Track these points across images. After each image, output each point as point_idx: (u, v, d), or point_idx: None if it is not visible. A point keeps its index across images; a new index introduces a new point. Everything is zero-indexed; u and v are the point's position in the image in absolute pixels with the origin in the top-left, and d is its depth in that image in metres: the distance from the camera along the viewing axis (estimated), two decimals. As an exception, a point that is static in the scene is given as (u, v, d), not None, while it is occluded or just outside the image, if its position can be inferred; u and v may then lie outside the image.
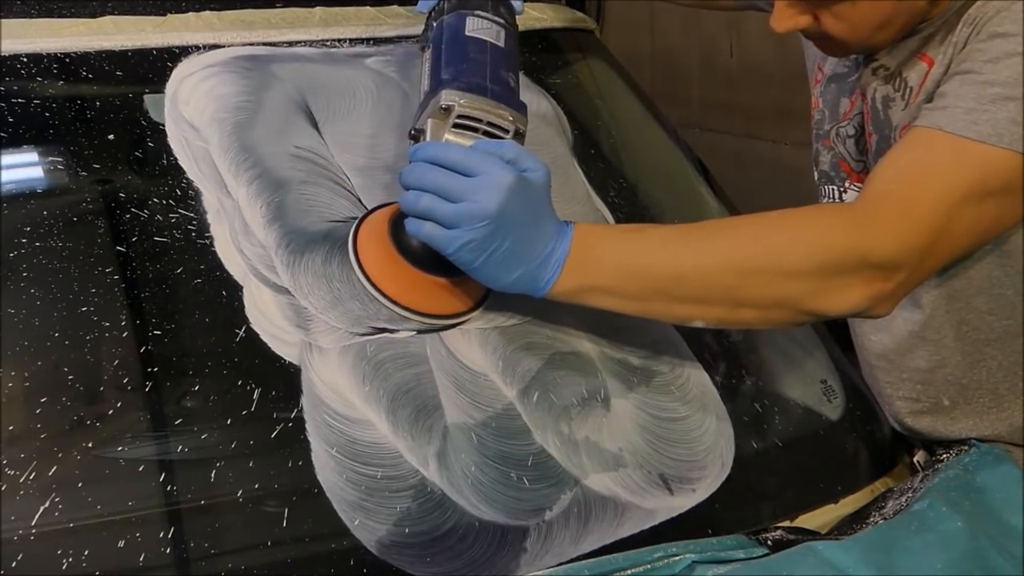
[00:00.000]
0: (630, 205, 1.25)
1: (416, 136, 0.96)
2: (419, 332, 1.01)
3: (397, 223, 0.98)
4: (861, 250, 0.93)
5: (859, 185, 1.18)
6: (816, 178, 1.26)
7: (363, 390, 0.96)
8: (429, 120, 0.94)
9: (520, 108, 0.97)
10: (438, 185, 0.90)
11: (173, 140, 1.06)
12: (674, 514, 0.99)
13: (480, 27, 1.01)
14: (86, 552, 0.83)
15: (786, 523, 1.02)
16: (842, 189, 1.21)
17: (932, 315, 1.14)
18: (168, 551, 0.85)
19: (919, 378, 1.20)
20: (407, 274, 0.98)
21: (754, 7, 1.36)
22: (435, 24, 1.05)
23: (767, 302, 0.94)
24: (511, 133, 0.95)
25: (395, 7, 1.28)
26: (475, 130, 0.94)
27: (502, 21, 1.04)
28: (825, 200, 1.24)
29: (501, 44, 1.01)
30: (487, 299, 1.03)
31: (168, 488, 0.88)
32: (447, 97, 0.93)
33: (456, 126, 0.94)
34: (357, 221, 1.03)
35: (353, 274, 1.00)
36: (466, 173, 0.90)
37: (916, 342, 1.17)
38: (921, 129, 0.98)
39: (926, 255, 0.96)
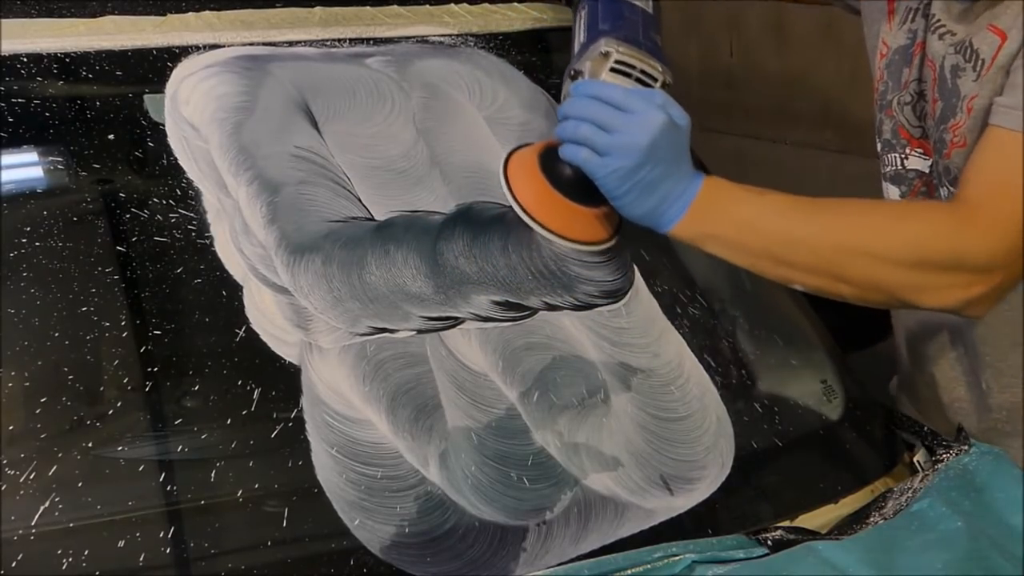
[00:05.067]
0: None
1: (575, 76, 1.05)
2: (419, 332, 1.01)
3: (546, 156, 1.06)
4: (956, 252, 0.98)
5: (919, 151, 1.21)
6: (879, 148, 1.28)
7: (363, 390, 0.96)
8: (588, 62, 1.03)
9: (667, 64, 1.05)
10: (599, 117, 0.97)
11: (173, 140, 1.06)
12: (674, 514, 0.99)
13: None
14: (86, 552, 0.83)
15: (786, 523, 1.02)
16: (903, 156, 1.24)
17: None
18: (168, 551, 0.85)
19: (961, 356, 1.21)
20: (555, 202, 1.05)
21: (847, 6, 1.38)
22: None
23: (865, 283, 1.00)
24: (659, 83, 1.04)
25: (395, 7, 1.28)
26: (628, 75, 1.03)
27: None
28: (888, 168, 1.26)
29: (649, 10, 1.10)
30: (619, 231, 1.09)
31: (168, 488, 0.88)
32: (607, 44, 1.02)
33: (612, 70, 1.02)
34: (504, 158, 1.08)
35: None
36: (623, 110, 0.97)
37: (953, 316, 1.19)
38: (1005, 131, 1.01)
39: (1019, 257, 0.99)
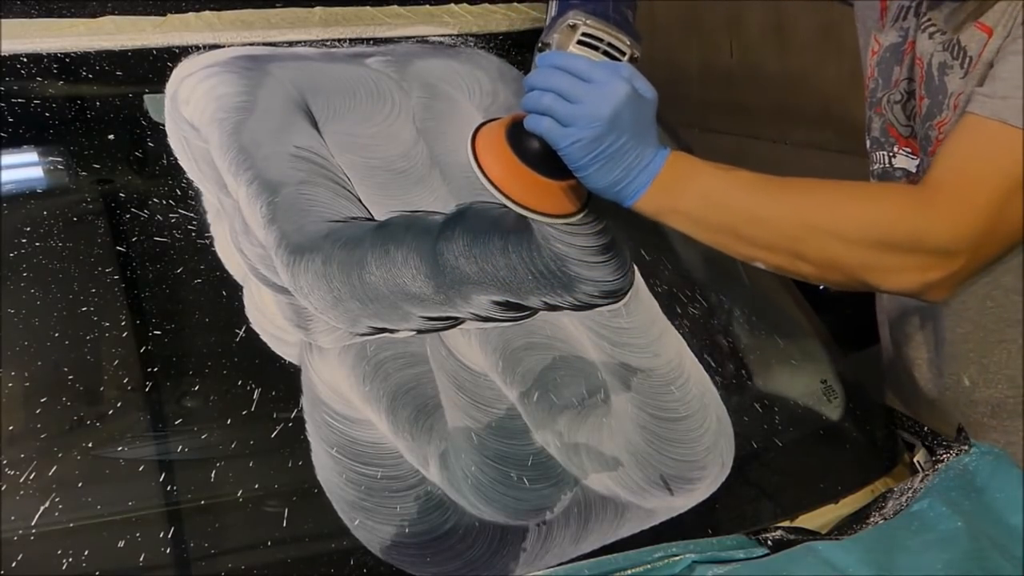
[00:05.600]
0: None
1: (543, 48, 1.07)
2: (419, 332, 1.01)
3: (513, 129, 1.07)
4: (916, 233, 0.98)
5: (907, 150, 1.21)
6: (868, 145, 1.28)
7: (363, 390, 0.96)
8: (556, 35, 1.05)
9: (636, 38, 1.06)
10: (562, 87, 0.98)
11: (173, 140, 1.06)
12: (674, 514, 0.99)
13: None
14: (86, 552, 0.83)
15: (786, 523, 1.02)
16: (891, 154, 1.24)
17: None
18: (168, 551, 0.85)
19: (944, 351, 1.21)
20: (522, 174, 1.06)
21: None
22: None
23: (824, 262, 1.01)
24: (627, 56, 1.05)
25: (395, 7, 1.28)
26: (595, 48, 1.04)
27: None
28: (876, 166, 1.26)
29: None
30: (588, 205, 1.10)
31: (168, 488, 0.88)
32: (574, 16, 1.04)
33: (580, 43, 1.04)
34: (473, 131, 1.09)
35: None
36: (587, 81, 0.98)
37: (943, 308, 1.19)
38: (980, 118, 1.00)
39: (982, 243, 1.00)
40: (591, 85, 0.98)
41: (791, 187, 1.02)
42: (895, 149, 1.23)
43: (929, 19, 1.12)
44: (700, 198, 1.01)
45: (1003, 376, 1.18)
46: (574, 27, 1.04)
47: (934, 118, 1.12)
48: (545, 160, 1.04)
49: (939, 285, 1.01)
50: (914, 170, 1.20)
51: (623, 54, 1.05)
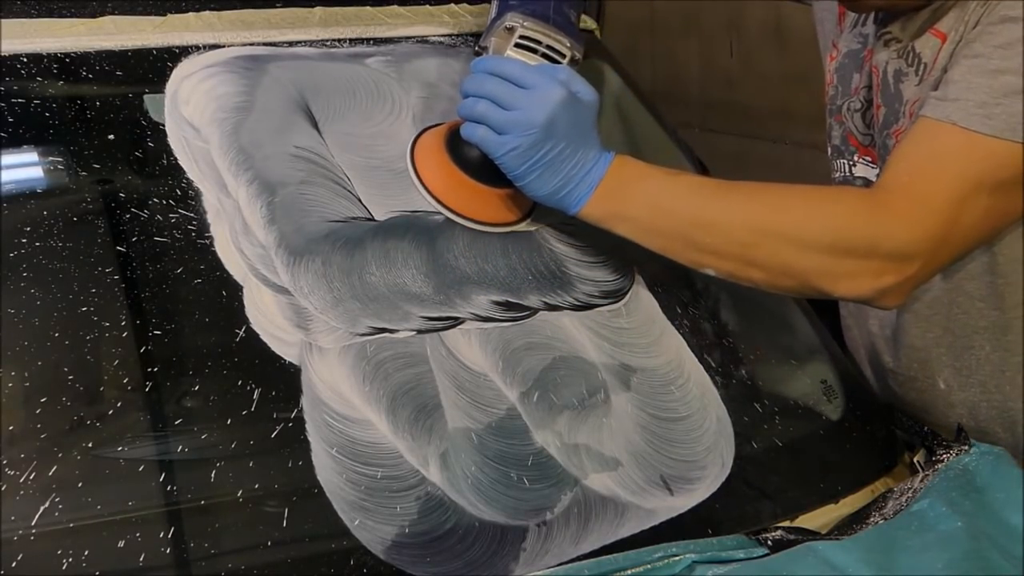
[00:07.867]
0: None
1: (480, 52, 1.04)
2: (419, 332, 1.01)
3: (452, 136, 1.05)
4: (872, 238, 0.96)
5: (867, 158, 1.20)
6: (829, 153, 1.27)
7: (363, 390, 0.96)
8: (493, 38, 1.03)
9: (578, 40, 1.04)
10: (495, 94, 0.96)
11: (173, 140, 1.06)
12: (674, 514, 0.99)
13: None
14: (86, 552, 0.83)
15: (786, 523, 1.02)
16: (851, 163, 1.22)
17: (926, 290, 1.15)
18: (168, 551, 0.85)
19: (916, 356, 1.21)
20: (461, 183, 1.04)
21: None
22: None
23: (776, 268, 0.97)
24: (567, 59, 1.03)
25: (395, 7, 1.28)
26: (534, 51, 1.02)
27: None
28: (837, 174, 1.25)
29: None
30: (533, 212, 1.08)
31: (168, 488, 0.88)
32: (511, 19, 1.02)
33: (517, 46, 1.02)
34: (412, 138, 1.08)
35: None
36: (522, 86, 0.96)
37: (911, 317, 1.19)
38: (933, 121, 0.99)
39: (938, 247, 0.98)
40: (525, 91, 0.95)
41: (741, 191, 0.99)
42: (855, 158, 1.22)
43: (887, 29, 1.11)
44: (647, 204, 0.97)
45: (975, 381, 1.18)
46: (511, 30, 1.01)
47: (891, 126, 1.12)
48: (484, 168, 1.01)
49: (893, 291, 0.98)
50: (874, 179, 1.19)
51: (563, 57, 1.02)
